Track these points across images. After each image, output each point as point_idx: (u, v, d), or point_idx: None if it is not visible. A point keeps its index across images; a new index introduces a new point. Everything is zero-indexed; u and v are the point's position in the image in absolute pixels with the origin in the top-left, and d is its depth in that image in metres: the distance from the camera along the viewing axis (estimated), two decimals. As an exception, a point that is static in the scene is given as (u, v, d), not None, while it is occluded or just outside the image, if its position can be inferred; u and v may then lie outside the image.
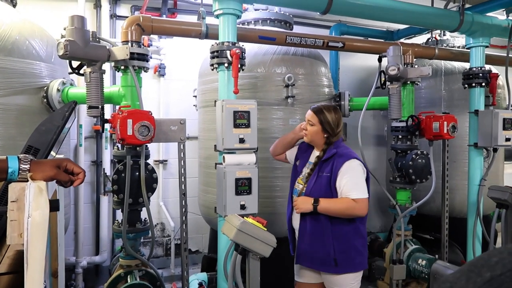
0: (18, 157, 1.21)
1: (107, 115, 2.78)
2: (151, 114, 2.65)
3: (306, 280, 2.67)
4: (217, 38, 3.02)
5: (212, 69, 3.05)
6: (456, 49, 4.63)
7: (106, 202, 4.31)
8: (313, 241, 2.48)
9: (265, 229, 2.21)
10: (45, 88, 3.14)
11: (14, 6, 3.41)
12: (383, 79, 3.64)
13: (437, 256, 3.69)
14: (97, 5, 4.34)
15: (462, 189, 4.32)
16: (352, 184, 2.39)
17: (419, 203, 3.67)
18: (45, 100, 3.13)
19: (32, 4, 4.04)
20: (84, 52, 2.64)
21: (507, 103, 4.29)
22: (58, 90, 3.11)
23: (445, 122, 3.52)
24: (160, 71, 4.60)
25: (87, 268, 4.23)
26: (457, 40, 4.86)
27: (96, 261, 4.31)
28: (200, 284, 3.51)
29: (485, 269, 0.40)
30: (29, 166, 1.19)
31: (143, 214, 3.02)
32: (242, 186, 2.76)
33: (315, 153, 2.65)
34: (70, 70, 2.80)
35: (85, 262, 4.19)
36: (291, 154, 2.84)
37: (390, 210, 3.90)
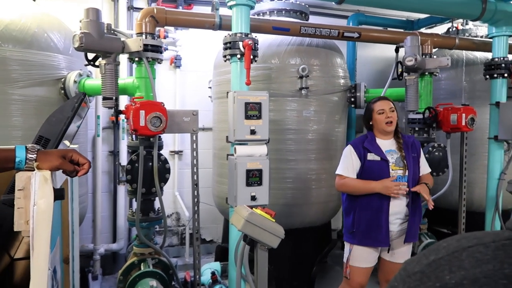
0: (25, 147, 1.25)
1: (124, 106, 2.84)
2: (164, 105, 2.68)
3: (366, 264, 2.77)
4: (230, 29, 3.01)
5: (225, 61, 3.05)
6: (478, 39, 4.48)
7: (122, 191, 4.40)
8: (418, 218, 2.80)
9: (274, 220, 2.22)
10: (62, 79, 3.22)
11: (34, -1, 3.50)
12: (400, 70, 3.57)
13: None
14: (115, -3, 4.39)
15: (481, 183, 4.21)
16: (425, 161, 2.88)
17: (433, 196, 3.60)
18: (62, 91, 3.21)
19: (52, -3, 4.12)
20: (99, 44, 2.69)
21: (531, 95, 4.14)
22: (75, 81, 3.18)
23: (464, 114, 3.43)
24: (176, 62, 4.63)
25: (104, 255, 4.35)
26: (480, 29, 4.70)
27: (113, 249, 4.42)
28: (213, 273, 3.57)
29: (433, 252, 0.42)
30: (35, 156, 1.23)
31: (157, 204, 3.07)
32: (253, 177, 2.77)
33: (385, 141, 2.76)
34: (86, 62, 2.86)
35: (103, 249, 4.30)
36: (356, 168, 2.74)
37: (406, 204, 3.84)
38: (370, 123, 2.80)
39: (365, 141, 2.76)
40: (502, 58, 3.85)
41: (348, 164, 2.74)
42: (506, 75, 3.84)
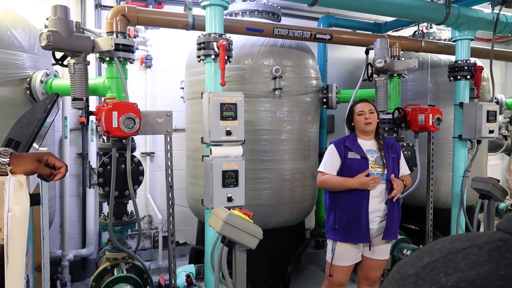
0: (-3, 150, 1.19)
1: (92, 107, 2.74)
2: (137, 106, 2.62)
3: (349, 262, 2.85)
4: (204, 30, 2.98)
5: (199, 61, 3.02)
6: (442, 42, 4.66)
7: (92, 195, 4.27)
8: (397, 216, 2.87)
9: (252, 221, 2.22)
10: (28, 79, 3.08)
11: (-5, -5, 3.33)
12: (370, 71, 3.66)
13: (421, 246, 3.75)
14: (82, -6, 4.25)
15: (446, 180, 4.38)
16: (405, 163, 3.01)
17: (403, 194, 3.71)
18: (28, 91, 3.07)
19: (14, -7, 3.93)
20: (67, 43, 2.59)
21: (491, 96, 4.35)
22: (41, 81, 3.06)
23: (431, 115, 3.56)
24: (147, 62, 4.55)
25: (73, 261, 4.20)
26: (444, 33, 4.89)
27: (82, 254, 4.28)
28: (188, 276, 3.52)
29: (427, 254, 0.42)
30: (9, 159, 1.17)
31: (130, 207, 3.00)
32: (229, 179, 2.76)
33: (366, 141, 2.86)
34: (53, 61, 2.75)
35: (72, 255, 4.16)
36: (336, 166, 2.83)
37: (376, 202, 3.93)
38: (352, 124, 2.93)
39: (347, 140, 2.87)
40: (465, 61, 4.02)
41: (328, 161, 2.85)
42: (468, 76, 4.01)
